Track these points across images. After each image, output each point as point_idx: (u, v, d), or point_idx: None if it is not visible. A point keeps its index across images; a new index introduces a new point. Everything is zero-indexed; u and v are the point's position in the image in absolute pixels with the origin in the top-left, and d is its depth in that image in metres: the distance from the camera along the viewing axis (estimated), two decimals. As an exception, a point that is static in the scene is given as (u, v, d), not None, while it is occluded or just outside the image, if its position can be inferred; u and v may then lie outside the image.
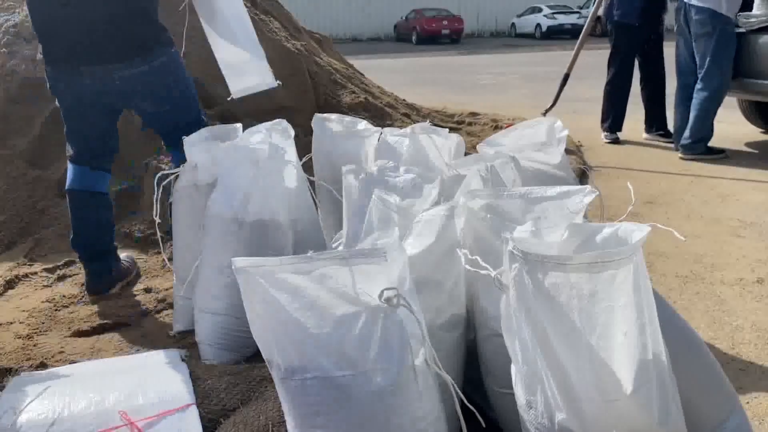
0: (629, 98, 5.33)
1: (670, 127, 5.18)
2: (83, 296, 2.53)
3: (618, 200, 3.41)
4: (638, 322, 1.12)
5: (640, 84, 5.33)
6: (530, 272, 1.14)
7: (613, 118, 5.33)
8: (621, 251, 1.11)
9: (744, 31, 4.55)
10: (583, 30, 5.51)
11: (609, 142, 5.33)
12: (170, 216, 2.31)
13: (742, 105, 5.37)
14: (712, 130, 4.71)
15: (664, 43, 5.23)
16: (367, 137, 2.37)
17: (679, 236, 1.39)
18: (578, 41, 5.46)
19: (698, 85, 4.63)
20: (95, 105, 2.39)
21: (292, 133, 2.20)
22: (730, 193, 3.88)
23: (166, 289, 2.55)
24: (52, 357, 2.07)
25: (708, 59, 4.54)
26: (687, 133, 4.71)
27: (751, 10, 4.58)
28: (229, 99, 2.70)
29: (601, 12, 5.55)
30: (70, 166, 2.50)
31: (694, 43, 4.63)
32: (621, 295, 1.12)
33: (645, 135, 5.41)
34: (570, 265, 1.11)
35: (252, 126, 2.22)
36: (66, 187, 2.51)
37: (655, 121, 5.35)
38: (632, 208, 1.72)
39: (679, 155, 4.77)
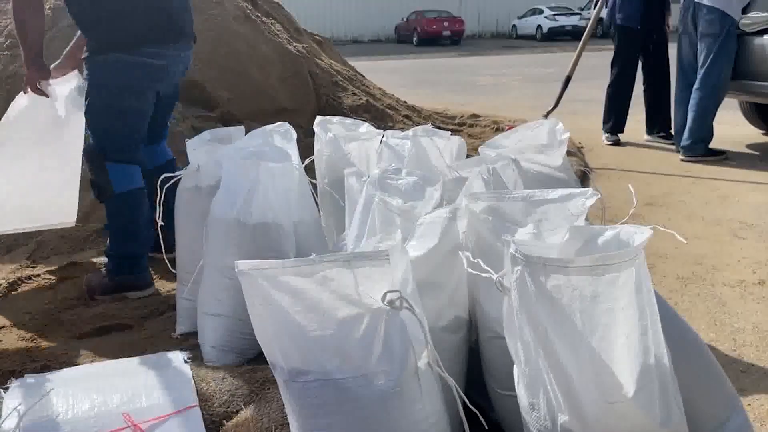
0: (631, 100, 5.34)
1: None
2: (87, 298, 2.53)
3: (619, 201, 3.42)
4: (640, 324, 1.13)
5: (643, 85, 5.34)
6: (532, 275, 1.14)
7: (614, 120, 5.34)
8: (623, 254, 1.11)
9: (744, 32, 4.56)
10: (585, 33, 5.51)
11: (610, 144, 5.34)
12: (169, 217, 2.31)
13: (743, 106, 5.38)
14: (712, 131, 4.71)
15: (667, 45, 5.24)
16: (369, 140, 2.38)
17: (680, 238, 1.39)
18: (580, 44, 5.46)
19: (696, 84, 4.64)
20: (155, 89, 2.45)
21: (294, 135, 2.21)
22: (731, 194, 3.88)
23: (169, 291, 2.55)
24: (55, 359, 2.07)
25: (710, 58, 4.55)
26: (686, 133, 4.71)
27: None
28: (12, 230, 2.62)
29: (603, 14, 5.55)
30: (124, 168, 2.40)
31: (698, 42, 4.64)
32: (623, 298, 1.12)
33: (646, 137, 5.42)
34: (572, 268, 1.11)
35: (254, 128, 2.23)
36: (129, 188, 2.42)
37: (657, 123, 5.36)
38: (633, 209, 1.73)
39: (680, 157, 4.77)
